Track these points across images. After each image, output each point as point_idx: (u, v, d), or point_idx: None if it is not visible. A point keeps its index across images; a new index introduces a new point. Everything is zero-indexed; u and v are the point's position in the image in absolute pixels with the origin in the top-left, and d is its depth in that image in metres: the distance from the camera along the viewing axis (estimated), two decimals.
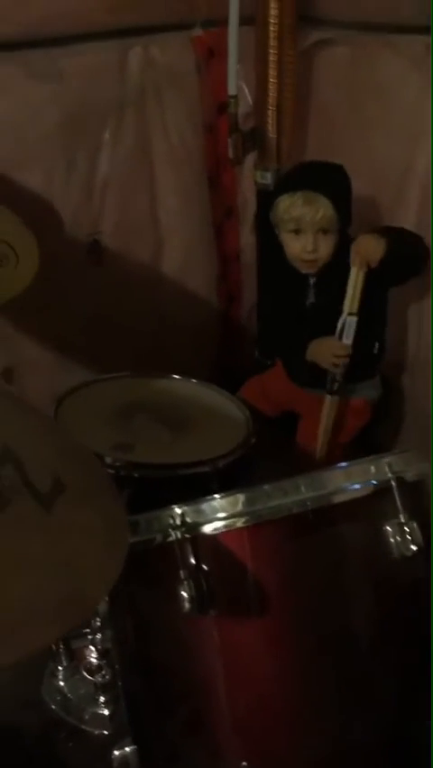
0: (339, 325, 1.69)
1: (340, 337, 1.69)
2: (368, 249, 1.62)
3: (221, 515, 0.74)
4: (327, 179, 1.72)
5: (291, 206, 1.70)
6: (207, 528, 0.74)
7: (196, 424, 1.62)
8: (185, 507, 0.75)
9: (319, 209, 1.67)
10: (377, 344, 1.79)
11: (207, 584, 0.72)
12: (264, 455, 1.53)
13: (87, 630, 0.95)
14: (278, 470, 0.89)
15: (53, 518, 0.62)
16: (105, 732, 0.95)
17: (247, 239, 2.23)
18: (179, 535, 0.73)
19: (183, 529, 0.73)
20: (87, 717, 0.97)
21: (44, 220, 1.89)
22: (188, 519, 0.74)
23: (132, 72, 1.92)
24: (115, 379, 1.76)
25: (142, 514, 0.79)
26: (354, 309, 1.67)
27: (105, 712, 0.96)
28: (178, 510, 0.75)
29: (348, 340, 1.69)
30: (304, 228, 1.71)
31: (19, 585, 0.60)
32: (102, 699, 0.96)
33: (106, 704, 0.96)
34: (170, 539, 0.74)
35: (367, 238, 1.64)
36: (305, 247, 1.71)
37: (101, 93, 1.89)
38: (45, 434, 0.75)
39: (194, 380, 1.77)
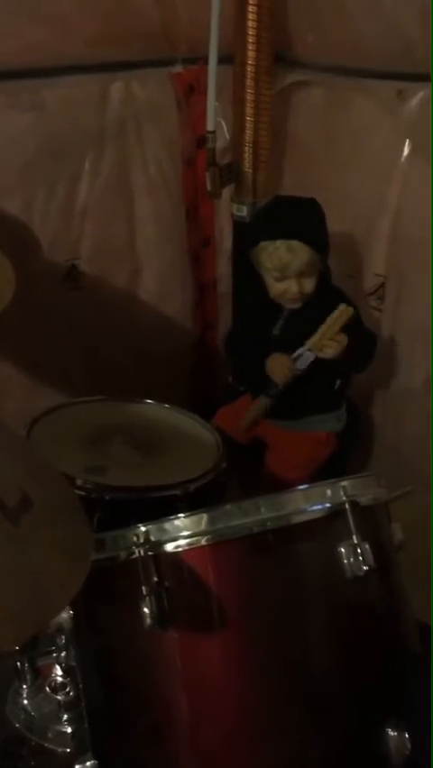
0: (296, 353, 1.74)
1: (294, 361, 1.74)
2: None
3: (184, 533, 0.77)
4: (305, 223, 1.75)
5: (273, 255, 1.73)
6: (170, 546, 0.76)
7: (168, 448, 1.64)
8: (150, 526, 0.78)
9: (302, 257, 1.71)
10: (338, 381, 1.84)
11: (168, 601, 0.75)
12: (235, 480, 1.55)
13: (53, 648, 0.97)
14: (247, 495, 0.92)
15: (19, 531, 0.65)
16: (68, 750, 0.96)
17: (224, 268, 2.28)
18: (141, 553, 0.76)
19: (146, 547, 0.76)
20: (50, 735, 0.98)
21: (23, 245, 1.93)
22: (151, 537, 0.77)
23: (112, 105, 1.98)
24: (90, 403, 1.79)
25: (107, 532, 0.81)
26: (314, 348, 1.72)
27: (69, 730, 0.97)
28: (142, 528, 0.78)
29: (300, 368, 1.73)
30: (288, 275, 1.74)
31: None
32: (65, 716, 0.97)
33: (69, 722, 0.97)
34: (134, 556, 0.76)
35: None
36: (289, 289, 1.76)
37: (82, 124, 1.95)
38: (15, 452, 0.77)
39: (167, 405, 1.80)
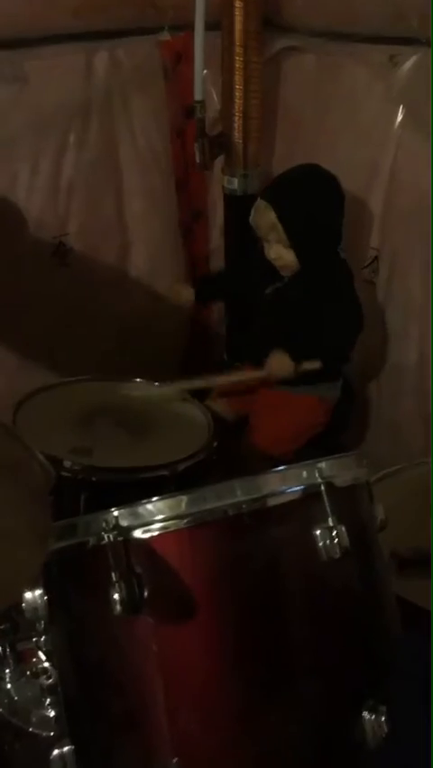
0: None
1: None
2: (279, 367, 1.69)
3: (158, 517, 0.75)
4: (287, 192, 1.73)
5: (253, 213, 1.75)
6: (139, 532, 0.74)
7: (157, 428, 1.62)
8: (121, 510, 0.76)
9: (266, 220, 1.71)
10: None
11: (138, 586, 0.73)
12: (223, 460, 1.53)
13: (33, 632, 0.95)
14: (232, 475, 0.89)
15: None
16: (51, 733, 0.95)
17: (217, 242, 2.24)
18: (111, 538, 0.74)
19: (115, 532, 0.74)
20: (33, 719, 0.97)
21: (9, 222, 1.89)
22: (121, 522, 0.75)
23: (98, 75, 1.93)
24: (78, 383, 1.76)
25: (79, 516, 0.80)
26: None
27: (51, 714, 0.96)
28: (114, 513, 0.76)
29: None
30: (263, 236, 1.74)
31: None
32: (48, 701, 0.96)
33: (52, 705, 0.96)
34: (103, 542, 0.75)
35: (278, 357, 1.69)
36: (268, 253, 1.74)
37: (66, 96, 1.90)
38: None
39: (157, 384, 1.77)
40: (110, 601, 0.72)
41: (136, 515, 0.75)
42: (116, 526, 0.74)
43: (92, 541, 0.76)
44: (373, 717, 0.70)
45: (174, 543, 0.74)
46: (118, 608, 0.72)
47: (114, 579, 0.72)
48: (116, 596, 0.72)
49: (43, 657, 0.94)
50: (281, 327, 1.79)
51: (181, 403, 1.73)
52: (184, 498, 0.74)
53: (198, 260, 2.27)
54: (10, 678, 0.99)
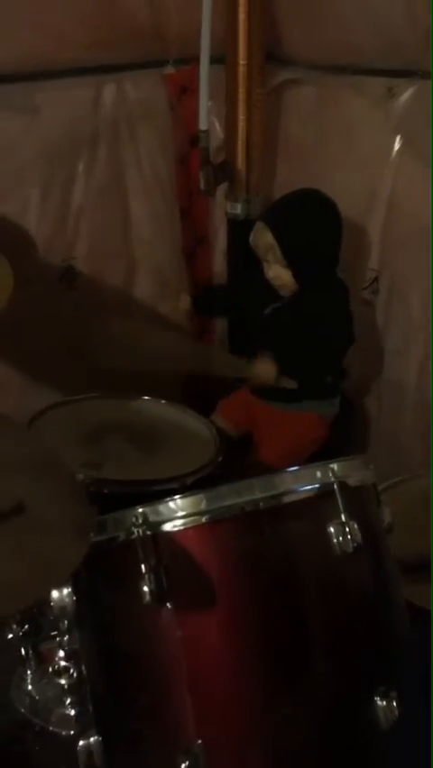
0: None
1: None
2: (263, 372, 1.76)
3: (180, 513, 0.79)
4: (285, 214, 1.81)
5: (252, 235, 1.84)
6: (167, 526, 0.79)
7: (165, 443, 1.66)
8: (147, 507, 0.80)
9: (265, 239, 1.78)
10: (330, 377, 1.88)
11: (166, 578, 0.77)
12: (229, 474, 1.57)
13: (56, 633, 0.99)
14: None
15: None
16: (72, 732, 0.98)
17: (220, 266, 2.31)
18: (140, 533, 0.78)
19: (144, 527, 0.79)
20: (53, 718, 1.00)
21: (20, 246, 1.95)
22: (150, 518, 0.80)
23: (106, 107, 2.00)
24: (86, 401, 1.81)
25: (107, 514, 0.84)
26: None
27: (72, 712, 0.99)
28: (140, 510, 0.80)
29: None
30: (262, 256, 1.81)
31: None
32: (69, 700, 0.99)
33: (73, 704, 0.99)
34: (133, 536, 0.79)
35: (265, 362, 1.77)
36: (266, 273, 1.81)
37: (76, 126, 1.97)
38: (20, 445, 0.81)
39: (163, 401, 1.82)
40: (139, 592, 0.76)
41: (161, 511, 0.80)
42: (146, 521, 0.79)
43: (122, 536, 0.80)
44: (385, 702, 0.74)
45: (196, 536, 0.78)
46: (147, 598, 0.76)
47: (143, 571, 0.76)
48: (146, 587, 0.76)
49: (65, 656, 0.98)
50: (279, 346, 1.84)
51: (188, 419, 1.77)
52: (206, 495, 0.79)
53: (201, 283, 2.33)
54: (32, 679, 1.02)
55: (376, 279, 1.98)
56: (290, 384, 1.80)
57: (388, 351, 2.01)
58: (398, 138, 1.85)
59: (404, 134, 1.84)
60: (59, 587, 0.76)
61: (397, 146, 1.86)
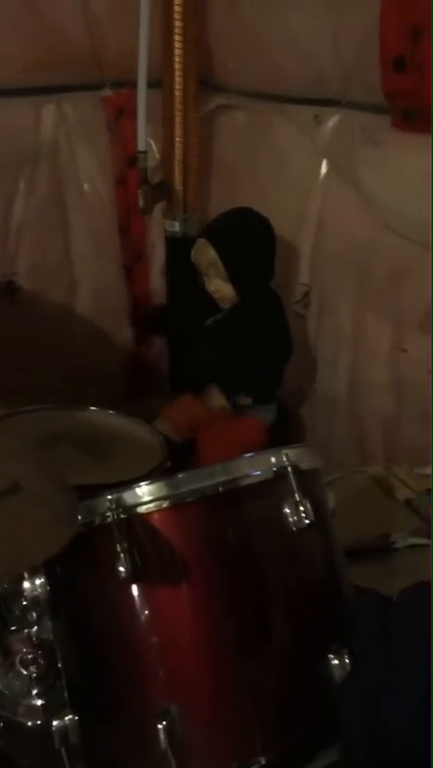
0: None
1: None
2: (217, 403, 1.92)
3: (149, 498, 0.86)
4: (224, 230, 1.93)
5: (194, 251, 1.95)
6: (138, 509, 0.86)
7: (114, 450, 1.70)
8: (118, 493, 0.87)
9: (207, 255, 1.90)
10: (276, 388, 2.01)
11: (139, 557, 0.84)
12: None
13: (21, 625, 1.03)
14: None
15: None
16: (39, 722, 1.02)
17: (157, 282, 2.38)
18: (115, 516, 0.85)
19: (119, 510, 0.85)
20: (20, 710, 1.03)
21: None
22: (123, 502, 0.86)
23: (46, 127, 2.06)
24: (33, 412, 1.83)
25: (81, 501, 0.91)
26: None
27: (39, 703, 1.03)
28: (111, 496, 0.87)
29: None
30: (203, 271, 1.92)
31: None
32: (35, 690, 1.03)
33: (40, 695, 1.03)
34: (108, 520, 0.85)
35: (214, 394, 1.92)
36: (207, 286, 1.91)
37: (16, 145, 2.02)
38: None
39: (111, 411, 1.87)
40: (115, 572, 0.83)
41: (133, 495, 0.87)
42: (120, 505, 0.85)
43: (98, 520, 0.87)
44: (338, 659, 0.83)
45: (162, 519, 0.86)
46: (123, 576, 0.82)
47: (118, 550, 0.83)
48: (121, 567, 0.82)
49: (32, 647, 1.02)
50: (220, 356, 1.95)
51: (135, 427, 1.83)
52: (169, 481, 0.88)
53: (139, 298, 2.40)
54: None
55: (307, 294, 2.10)
56: (245, 401, 1.93)
57: (319, 361, 2.13)
58: (324, 162, 1.98)
59: (330, 159, 1.97)
60: (60, 547, 0.82)
61: (324, 170, 1.98)
